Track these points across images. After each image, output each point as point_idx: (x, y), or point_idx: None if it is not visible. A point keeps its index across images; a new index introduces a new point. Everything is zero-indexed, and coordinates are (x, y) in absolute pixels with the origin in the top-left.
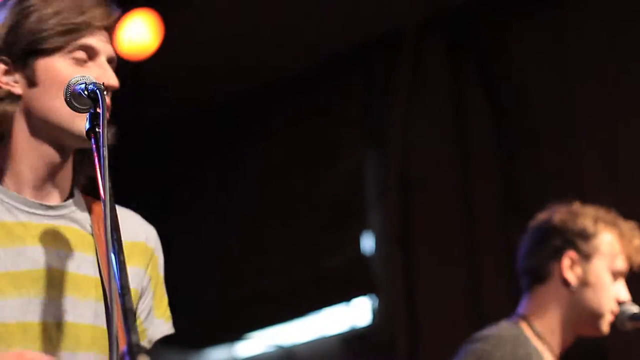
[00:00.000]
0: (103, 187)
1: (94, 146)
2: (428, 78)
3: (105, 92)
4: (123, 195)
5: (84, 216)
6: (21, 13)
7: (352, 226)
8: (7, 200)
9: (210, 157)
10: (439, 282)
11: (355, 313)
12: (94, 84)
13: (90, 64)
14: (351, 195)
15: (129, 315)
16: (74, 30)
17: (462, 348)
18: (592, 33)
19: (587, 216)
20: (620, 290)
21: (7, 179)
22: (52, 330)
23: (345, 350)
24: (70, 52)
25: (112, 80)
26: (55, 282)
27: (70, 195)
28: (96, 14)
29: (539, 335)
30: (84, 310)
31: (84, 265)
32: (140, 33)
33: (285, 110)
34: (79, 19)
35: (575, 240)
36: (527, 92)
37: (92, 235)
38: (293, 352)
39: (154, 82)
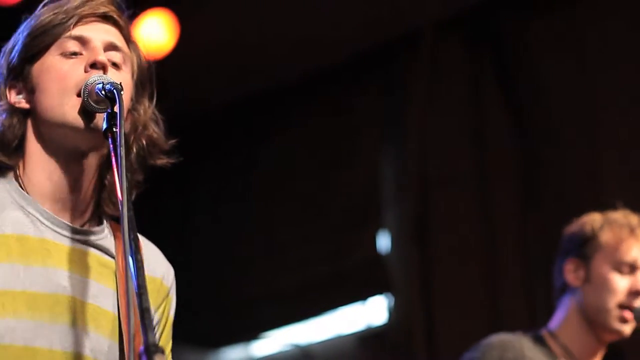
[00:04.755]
0: (120, 187)
1: (111, 146)
2: (446, 77)
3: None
4: (140, 197)
5: (110, 245)
6: (18, 32)
7: (368, 225)
8: (31, 211)
9: (228, 157)
10: (455, 281)
11: (372, 312)
12: (112, 83)
13: (84, 53)
14: (368, 194)
15: (146, 315)
16: (57, 26)
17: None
18: (612, 30)
19: (588, 221)
20: (635, 282)
21: (29, 189)
22: (60, 359)
23: (361, 349)
24: (59, 46)
25: (100, 56)
26: (71, 310)
27: (99, 222)
28: (78, 4)
29: (565, 349)
30: (95, 344)
31: (102, 298)
32: (156, 33)
33: (304, 109)
34: (59, 13)
35: (575, 246)
36: (546, 91)
37: (116, 268)
38: (309, 351)
39: (170, 82)
